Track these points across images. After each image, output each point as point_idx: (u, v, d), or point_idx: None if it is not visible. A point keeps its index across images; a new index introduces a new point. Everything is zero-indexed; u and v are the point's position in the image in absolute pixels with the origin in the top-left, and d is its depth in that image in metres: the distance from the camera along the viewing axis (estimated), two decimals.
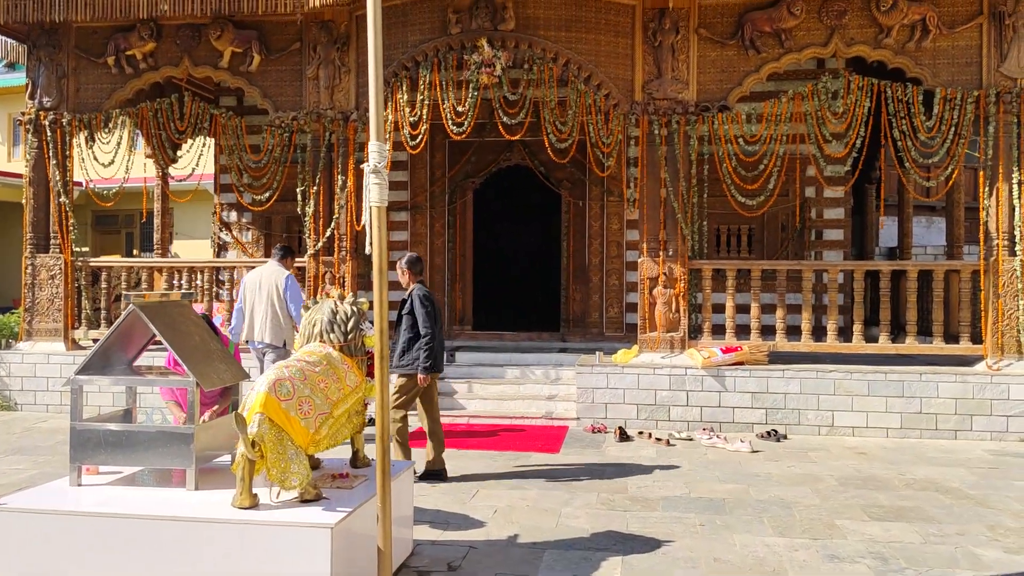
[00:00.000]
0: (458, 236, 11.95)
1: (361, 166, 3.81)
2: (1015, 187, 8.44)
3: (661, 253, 9.06)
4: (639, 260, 9.27)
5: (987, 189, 8.60)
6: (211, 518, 3.75)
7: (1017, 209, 8.43)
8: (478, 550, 5.02)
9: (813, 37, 8.74)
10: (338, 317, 4.48)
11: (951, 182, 9.25)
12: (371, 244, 3.68)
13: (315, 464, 4.58)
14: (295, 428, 3.85)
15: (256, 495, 3.85)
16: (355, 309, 4.54)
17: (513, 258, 15.53)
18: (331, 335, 4.44)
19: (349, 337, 4.47)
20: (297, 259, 9.16)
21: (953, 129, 8.48)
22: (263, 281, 8.03)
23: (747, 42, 8.77)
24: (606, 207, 11.63)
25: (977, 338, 8.83)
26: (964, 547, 5.17)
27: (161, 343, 4.21)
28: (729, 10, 8.86)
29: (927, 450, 7.99)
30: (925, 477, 6.94)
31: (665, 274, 9.05)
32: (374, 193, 3.66)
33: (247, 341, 8.03)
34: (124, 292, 9.54)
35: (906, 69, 8.58)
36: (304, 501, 3.89)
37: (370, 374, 4.61)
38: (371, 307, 4.06)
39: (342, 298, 4.57)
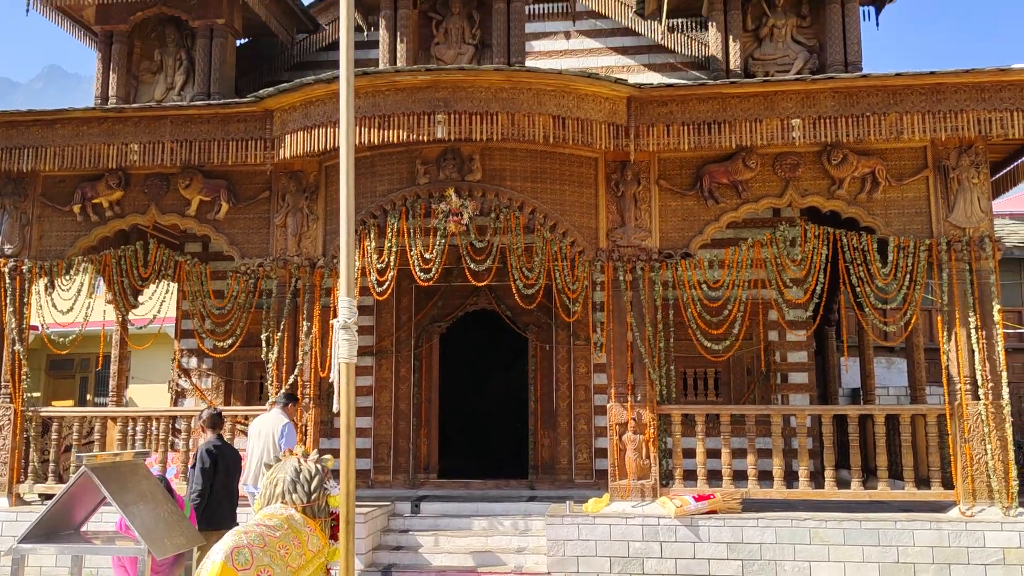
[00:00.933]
0: (424, 381, 11.79)
1: (332, 321, 3.75)
2: (972, 332, 8.62)
3: (629, 398, 8.99)
4: (608, 406, 9.17)
5: (946, 334, 8.77)
6: None
7: (976, 353, 8.58)
8: None
9: (769, 188, 9.10)
10: (301, 476, 4.25)
11: (910, 327, 9.44)
12: (339, 401, 3.56)
13: None
14: None
15: None
16: (320, 467, 4.32)
17: (480, 403, 15.33)
18: (294, 495, 4.20)
19: (313, 497, 4.23)
20: (257, 406, 8.92)
21: (908, 276, 8.73)
22: (263, 428, 8.23)
23: (706, 193, 9.09)
24: (573, 351, 11.63)
25: (948, 483, 8.76)
26: None
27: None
28: (687, 163, 9.23)
29: None
30: None
31: (634, 419, 8.95)
32: (343, 349, 3.58)
33: (244, 485, 8.00)
34: (76, 450, 9.15)
35: (859, 219, 8.92)
36: None
37: (334, 536, 4.35)
38: (336, 459, 3.88)
39: (306, 455, 4.37)
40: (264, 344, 9.42)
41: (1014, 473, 8.44)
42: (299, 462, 4.34)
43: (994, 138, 8.66)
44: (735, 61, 9.51)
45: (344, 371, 3.58)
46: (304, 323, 9.34)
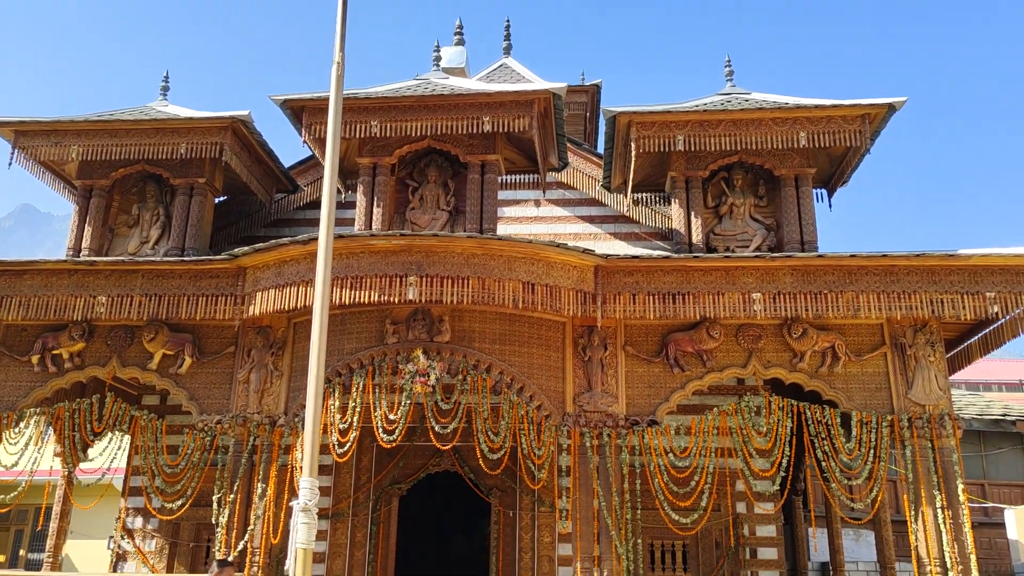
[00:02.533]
0: (380, 548, 11.27)
1: (290, 504, 3.62)
2: (939, 512, 8.56)
3: (595, 572, 8.65)
4: None
5: (912, 512, 8.70)
6: None
7: (944, 534, 8.47)
8: None
9: (733, 358, 9.23)
10: None
11: (876, 505, 9.36)
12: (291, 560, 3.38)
13: None
14: None
15: None
16: None
17: (440, 569, 14.66)
18: None
19: None
20: (200, 574, 8.42)
21: (872, 451, 8.75)
22: None
23: (671, 360, 9.19)
24: (537, 518, 11.28)
25: None
26: None
27: None
28: (653, 331, 9.38)
29: None
30: None
31: None
32: (301, 534, 3.43)
33: None
34: None
35: (821, 392, 9.04)
36: None
37: None
38: None
39: None
40: (215, 505, 9.03)
41: None
42: None
43: (947, 317, 8.95)
44: (697, 235, 9.88)
45: (300, 558, 3.42)
46: (259, 484, 9.00)
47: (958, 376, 19.97)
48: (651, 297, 8.97)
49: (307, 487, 3.40)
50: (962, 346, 10.29)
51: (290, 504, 3.41)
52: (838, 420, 8.96)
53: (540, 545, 11.17)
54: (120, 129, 10.26)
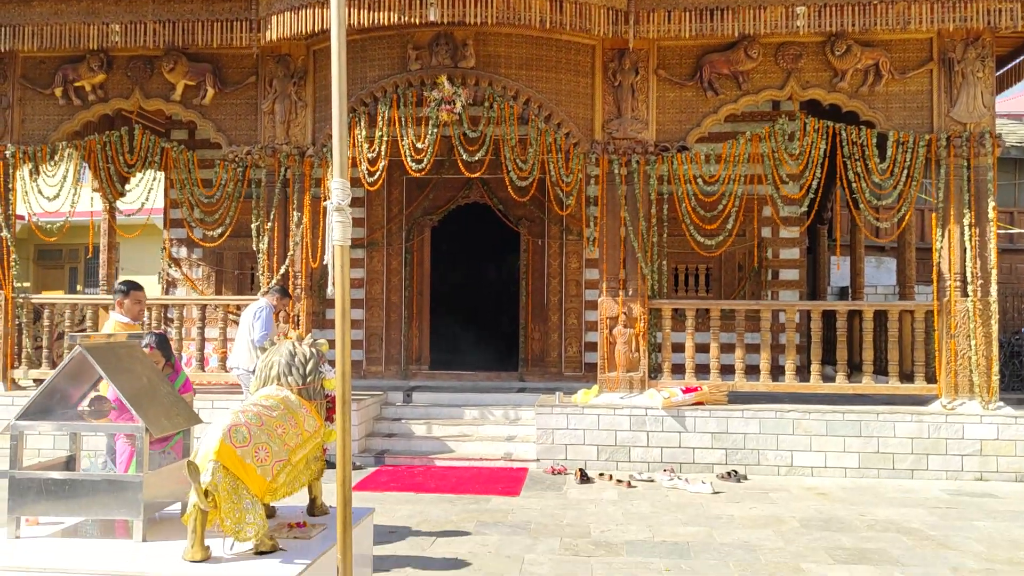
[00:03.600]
0: (415, 274, 11.79)
1: (324, 203, 3.68)
2: (966, 229, 8.62)
3: (621, 292, 9.02)
4: (599, 299, 9.22)
5: (939, 231, 8.77)
6: (161, 573, 3.50)
7: (968, 251, 8.60)
8: None
9: (770, 80, 8.88)
10: (296, 359, 4.29)
11: (904, 223, 9.42)
12: (333, 284, 3.53)
13: (271, 513, 4.35)
14: (251, 476, 3.64)
15: (208, 547, 3.62)
16: (315, 351, 4.35)
17: (471, 297, 15.39)
18: (289, 378, 4.25)
19: (308, 380, 4.27)
20: (248, 296, 8.93)
21: (906, 172, 8.65)
22: (246, 312, 8.49)
23: (705, 84, 8.88)
24: (565, 246, 11.61)
25: (932, 378, 8.93)
26: None
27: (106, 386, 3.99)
28: (688, 52, 8.98)
29: (886, 490, 8.00)
30: (886, 518, 6.93)
31: (625, 313, 9.01)
32: (336, 232, 3.51)
33: (230, 366, 8.58)
34: (68, 332, 9.18)
35: (860, 112, 8.77)
36: (259, 553, 3.66)
37: (329, 418, 4.42)
38: (331, 347, 3.89)
39: (301, 339, 4.39)
40: (254, 234, 9.34)
41: (996, 368, 8.61)
42: (294, 346, 4.37)
43: (1002, 30, 8.42)
44: None
45: (339, 254, 3.53)
46: (295, 213, 9.24)
47: (1000, 107, 19.29)
48: (687, 14, 8.49)
49: (338, 187, 3.43)
50: (1012, 64, 9.79)
51: (323, 203, 3.47)
52: (874, 141, 8.76)
53: (568, 270, 11.60)
54: None
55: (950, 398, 8.65)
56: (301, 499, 4.66)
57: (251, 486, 3.65)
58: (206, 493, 3.55)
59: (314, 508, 4.42)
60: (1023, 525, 6.72)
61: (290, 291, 8.93)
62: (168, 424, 4.07)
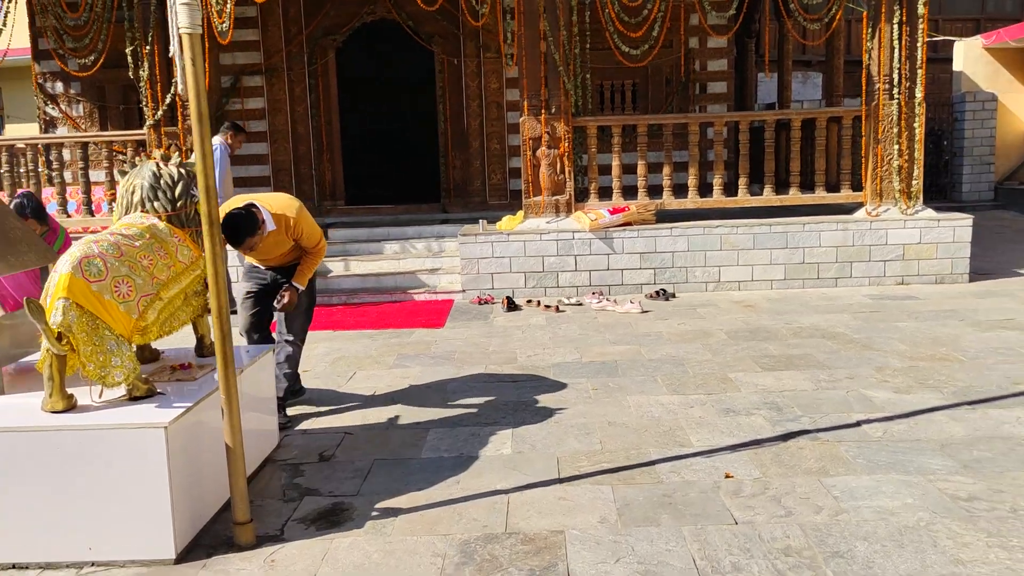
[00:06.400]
0: (321, 102, 10.88)
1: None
2: (895, 28, 8.20)
3: (543, 111, 8.46)
4: (520, 119, 8.66)
5: (870, 30, 8.34)
6: (17, 426, 3.08)
7: (897, 50, 8.23)
8: (354, 435, 4.55)
9: None
10: (162, 182, 3.72)
11: (833, 25, 8.95)
12: (182, 81, 2.93)
13: (154, 356, 3.93)
14: (113, 314, 3.17)
15: (72, 396, 3.20)
16: (183, 172, 3.78)
17: (386, 125, 14.57)
18: (155, 203, 3.70)
19: (178, 205, 3.73)
20: (135, 131, 8.07)
21: None
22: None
23: None
24: (483, 64, 10.82)
25: (857, 186, 8.80)
26: (855, 390, 5.09)
27: None
28: None
29: (811, 299, 8.00)
30: (811, 325, 6.90)
31: (548, 133, 8.50)
32: (183, 15, 2.88)
33: None
34: None
35: None
36: (134, 399, 3.26)
37: None
38: None
39: (166, 159, 3.79)
40: (131, 61, 8.34)
41: (918, 172, 8.47)
42: (158, 167, 3.78)
43: None
44: None
45: (187, 44, 2.91)
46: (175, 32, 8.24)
47: None
48: None
49: None
50: None
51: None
52: None
53: (487, 92, 10.87)
54: None
55: (875, 204, 8.55)
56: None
57: (114, 325, 3.18)
58: (59, 336, 3.07)
59: (202, 348, 3.99)
60: (943, 324, 6.78)
61: (178, 122, 8.10)
62: (15, 262, 3.52)
